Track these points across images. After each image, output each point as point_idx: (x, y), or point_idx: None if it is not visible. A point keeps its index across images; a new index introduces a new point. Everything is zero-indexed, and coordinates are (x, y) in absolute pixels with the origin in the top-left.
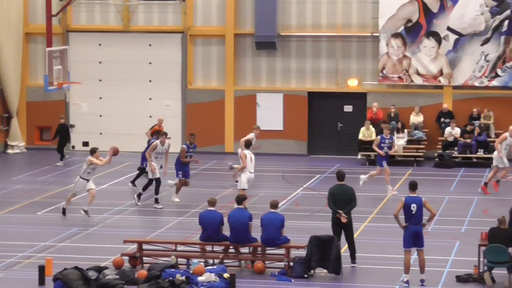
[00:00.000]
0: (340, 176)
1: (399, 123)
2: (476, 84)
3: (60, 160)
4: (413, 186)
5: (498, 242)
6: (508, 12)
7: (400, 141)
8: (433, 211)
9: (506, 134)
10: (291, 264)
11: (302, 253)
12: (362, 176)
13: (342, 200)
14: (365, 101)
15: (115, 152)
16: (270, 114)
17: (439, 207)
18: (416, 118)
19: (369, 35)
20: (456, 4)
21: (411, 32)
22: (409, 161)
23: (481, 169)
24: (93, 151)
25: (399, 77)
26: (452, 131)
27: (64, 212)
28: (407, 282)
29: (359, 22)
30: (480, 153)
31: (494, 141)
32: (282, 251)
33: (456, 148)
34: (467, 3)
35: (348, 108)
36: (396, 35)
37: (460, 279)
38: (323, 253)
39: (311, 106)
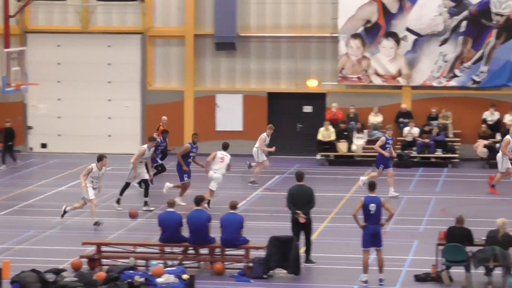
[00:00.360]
0: (299, 176)
1: (358, 124)
2: (435, 84)
3: (3, 164)
4: (372, 186)
5: (456, 241)
6: (466, 12)
7: (359, 141)
8: (392, 211)
9: (509, 137)
10: (251, 264)
11: (262, 253)
12: (362, 178)
13: (301, 200)
14: (324, 101)
15: (133, 216)
16: (230, 114)
17: (397, 206)
18: (375, 118)
19: (328, 36)
20: (415, 5)
21: (370, 33)
22: (368, 161)
23: (439, 169)
24: (99, 159)
25: (358, 78)
26: (411, 131)
27: (96, 224)
28: (365, 281)
29: (318, 23)
30: (439, 153)
31: (452, 141)
32: (241, 252)
33: (414, 148)
34: (425, 4)
35: (307, 109)
36: (355, 36)
37: (418, 278)
38: (283, 253)
39: (271, 107)
